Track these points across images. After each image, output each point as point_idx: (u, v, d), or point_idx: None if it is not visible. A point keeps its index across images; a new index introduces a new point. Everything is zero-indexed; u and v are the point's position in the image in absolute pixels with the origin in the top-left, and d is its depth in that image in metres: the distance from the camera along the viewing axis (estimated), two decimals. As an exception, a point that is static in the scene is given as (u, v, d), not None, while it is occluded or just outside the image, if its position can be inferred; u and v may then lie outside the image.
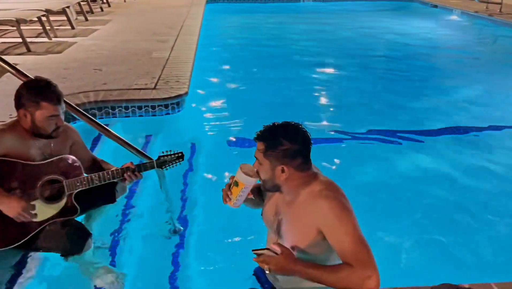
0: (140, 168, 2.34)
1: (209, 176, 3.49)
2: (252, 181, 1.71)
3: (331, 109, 5.20)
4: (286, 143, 1.63)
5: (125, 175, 2.28)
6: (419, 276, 2.44)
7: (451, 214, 3.10)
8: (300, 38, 8.93)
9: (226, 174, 3.38)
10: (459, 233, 2.90)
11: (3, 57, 2.78)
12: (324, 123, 4.72)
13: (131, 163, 2.35)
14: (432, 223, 3.00)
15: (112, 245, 2.54)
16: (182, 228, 2.84)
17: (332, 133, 4.35)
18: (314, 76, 6.40)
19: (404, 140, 4.27)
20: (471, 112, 4.94)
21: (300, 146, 1.65)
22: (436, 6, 12.21)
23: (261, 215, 1.89)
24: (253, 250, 1.68)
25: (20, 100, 2.11)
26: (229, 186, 1.78)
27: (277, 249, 1.60)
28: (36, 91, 2.11)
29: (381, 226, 2.87)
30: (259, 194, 1.94)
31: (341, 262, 1.57)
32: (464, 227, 2.97)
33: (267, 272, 1.60)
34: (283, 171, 1.64)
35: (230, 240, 2.79)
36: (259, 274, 1.98)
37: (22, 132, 2.14)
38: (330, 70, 6.73)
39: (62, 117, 2.20)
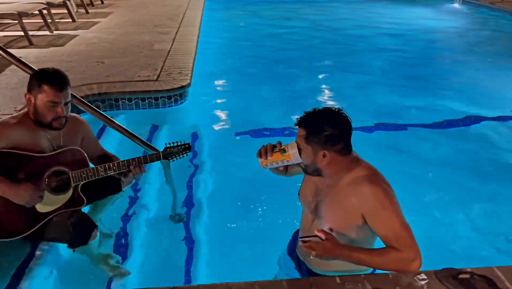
0: (147, 160, 2.35)
1: (213, 166, 3.52)
2: (299, 161, 1.72)
3: (332, 97, 5.20)
4: (328, 128, 1.64)
5: (130, 167, 2.30)
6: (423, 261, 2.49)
7: (458, 200, 3.12)
8: (302, 27, 8.90)
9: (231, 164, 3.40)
10: (464, 219, 2.93)
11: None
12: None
13: (152, 154, 2.38)
14: (436, 209, 3.03)
15: (118, 234, 2.58)
16: (186, 216, 2.87)
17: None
18: (317, 65, 6.39)
19: (409, 131, 4.29)
20: (476, 101, 4.94)
21: (342, 131, 1.67)
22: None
23: (298, 194, 1.93)
24: (301, 238, 1.72)
25: (28, 84, 2.13)
26: (272, 147, 1.77)
27: (322, 235, 1.64)
28: (42, 75, 2.13)
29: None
30: (285, 167, 1.94)
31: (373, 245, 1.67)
32: (468, 212, 3.00)
33: (311, 257, 1.64)
34: (324, 156, 1.67)
35: (234, 228, 2.83)
36: (292, 255, 2.03)
37: (30, 124, 2.16)
38: (332, 59, 6.70)
39: (66, 108, 2.18)
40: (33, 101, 2.11)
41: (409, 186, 3.30)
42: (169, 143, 2.41)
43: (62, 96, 2.13)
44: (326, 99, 5.16)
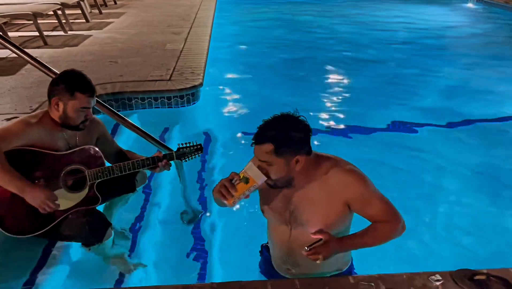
0: (160, 159, 2.39)
1: (225, 166, 3.53)
2: (264, 179, 1.61)
3: (344, 98, 5.18)
4: (295, 133, 1.60)
5: (159, 163, 2.35)
6: (438, 261, 2.47)
7: (474, 201, 3.10)
8: (314, 27, 8.89)
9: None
10: (476, 220, 2.91)
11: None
12: (337, 114, 4.72)
13: (160, 152, 2.41)
14: (451, 209, 3.01)
15: (132, 232, 2.60)
16: (198, 216, 2.89)
17: (342, 126, 4.36)
18: (329, 65, 6.37)
19: (424, 131, 4.26)
20: (489, 102, 4.88)
21: (306, 132, 1.63)
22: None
23: (262, 210, 1.86)
24: (307, 247, 1.67)
25: (55, 89, 2.16)
26: (230, 181, 1.64)
27: (321, 236, 1.66)
28: (73, 82, 2.17)
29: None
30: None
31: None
32: (480, 214, 2.98)
33: (318, 262, 1.65)
34: (297, 161, 1.63)
35: (246, 227, 2.83)
36: (268, 275, 2.01)
37: (49, 124, 2.20)
38: (345, 59, 6.67)
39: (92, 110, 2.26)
40: (62, 106, 2.16)
41: (425, 186, 3.29)
42: (182, 144, 2.45)
43: (92, 101, 2.22)
44: (340, 100, 5.14)
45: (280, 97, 4.93)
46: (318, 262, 1.64)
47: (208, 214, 2.94)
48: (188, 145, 2.46)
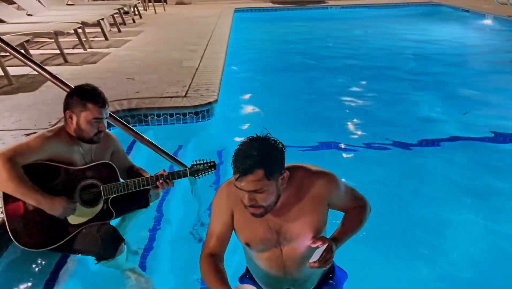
0: (174, 176, 2.41)
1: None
2: None
3: (360, 115, 5.16)
4: (276, 152, 1.58)
5: (157, 182, 2.35)
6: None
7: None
8: (328, 45, 8.94)
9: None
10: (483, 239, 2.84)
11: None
12: (353, 129, 4.71)
13: (164, 170, 2.42)
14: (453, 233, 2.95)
15: (144, 248, 2.60)
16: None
17: (360, 142, 4.34)
18: (344, 83, 6.36)
19: (441, 147, 4.21)
20: (507, 120, 4.81)
21: (282, 146, 1.61)
22: (467, 11, 11.94)
23: (248, 244, 1.78)
24: (318, 260, 1.65)
25: (68, 103, 2.22)
26: None
27: (320, 243, 1.68)
28: (84, 93, 2.23)
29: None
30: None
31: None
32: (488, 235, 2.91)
33: (324, 268, 1.76)
34: (283, 178, 1.62)
35: None
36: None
37: (66, 138, 2.25)
38: (360, 77, 6.64)
39: (105, 122, 2.30)
40: (75, 118, 2.21)
41: (455, 206, 3.23)
42: (196, 161, 2.47)
43: (104, 112, 2.26)
44: (355, 116, 5.11)
45: (295, 114, 4.94)
46: (324, 269, 1.75)
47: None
48: (202, 162, 2.48)
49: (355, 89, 6.13)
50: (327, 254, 1.66)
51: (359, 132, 4.62)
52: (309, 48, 8.61)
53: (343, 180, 1.86)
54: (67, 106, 2.24)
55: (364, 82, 6.40)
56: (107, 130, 2.56)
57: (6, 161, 2.00)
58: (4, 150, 2.07)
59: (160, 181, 2.35)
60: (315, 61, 7.61)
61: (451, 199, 3.32)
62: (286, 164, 1.66)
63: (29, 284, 2.12)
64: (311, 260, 1.66)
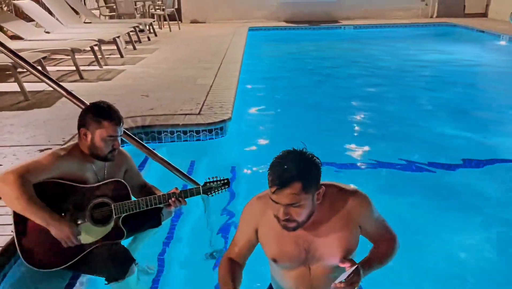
0: (187, 194, 2.36)
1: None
2: None
3: (372, 136, 5.08)
4: (314, 167, 1.58)
5: (170, 200, 2.31)
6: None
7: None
8: (342, 64, 8.91)
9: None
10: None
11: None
12: (366, 149, 4.64)
13: (176, 188, 2.38)
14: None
15: (155, 268, 2.54)
16: (223, 252, 2.81)
17: (373, 160, 4.27)
18: (357, 102, 6.33)
19: (447, 169, 4.11)
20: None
21: (319, 161, 1.61)
22: (482, 32, 11.85)
23: (275, 260, 1.75)
24: (344, 280, 1.60)
25: (83, 120, 2.20)
26: None
27: (348, 265, 1.63)
28: (99, 111, 2.21)
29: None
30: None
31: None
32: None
33: None
34: (319, 193, 1.62)
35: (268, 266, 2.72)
36: None
37: (79, 156, 2.22)
38: (372, 97, 6.59)
39: (119, 140, 2.28)
40: (90, 136, 2.19)
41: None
42: (209, 178, 2.42)
43: (119, 130, 2.24)
44: (368, 135, 5.05)
45: (307, 132, 4.88)
46: None
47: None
48: (215, 179, 2.43)
49: (368, 108, 6.07)
50: (354, 277, 1.60)
51: (373, 151, 4.54)
52: (322, 67, 8.60)
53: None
54: (81, 123, 2.21)
55: (377, 102, 6.32)
56: (120, 148, 2.53)
57: (17, 178, 1.97)
58: (16, 167, 2.04)
59: (173, 199, 2.31)
60: (328, 80, 7.59)
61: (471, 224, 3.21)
62: (321, 181, 1.66)
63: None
64: (337, 281, 1.60)
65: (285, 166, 1.52)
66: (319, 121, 5.40)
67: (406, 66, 8.62)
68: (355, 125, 5.43)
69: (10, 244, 2.17)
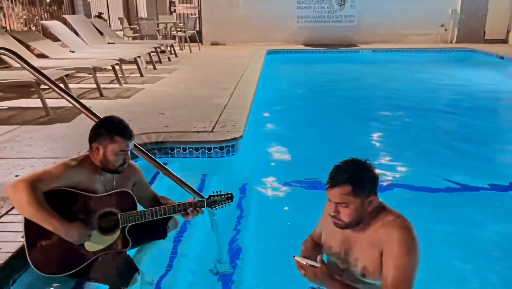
0: (191, 206, 2.41)
1: (261, 219, 3.48)
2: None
3: (389, 159, 5.05)
4: (369, 175, 1.76)
5: (188, 210, 2.38)
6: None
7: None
8: (358, 87, 8.93)
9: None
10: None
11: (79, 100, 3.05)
12: (383, 172, 4.61)
13: (194, 198, 2.45)
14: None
15: (159, 281, 2.57)
16: (230, 269, 2.83)
17: (388, 183, 4.23)
18: (371, 125, 6.29)
19: (468, 192, 4.05)
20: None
21: (376, 174, 1.79)
22: (502, 58, 11.75)
23: (323, 246, 2.01)
24: (294, 257, 1.80)
25: (95, 134, 2.29)
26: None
27: (317, 264, 1.73)
28: (111, 126, 2.31)
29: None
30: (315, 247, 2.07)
31: None
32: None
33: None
34: (370, 202, 1.76)
35: (281, 284, 2.70)
36: None
37: (89, 167, 2.31)
38: (387, 120, 6.58)
39: (129, 153, 2.36)
40: (102, 150, 2.28)
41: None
42: (214, 192, 2.48)
43: (130, 144, 2.33)
44: (385, 158, 4.99)
45: (319, 153, 4.89)
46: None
47: (241, 268, 2.85)
48: (219, 193, 2.48)
49: (383, 132, 6.04)
50: (308, 266, 1.73)
51: (392, 175, 4.49)
52: (338, 90, 8.64)
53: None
54: (94, 137, 2.30)
55: (393, 126, 6.29)
56: (131, 161, 2.61)
57: (28, 186, 2.06)
58: (28, 176, 2.13)
59: (191, 208, 2.38)
60: (343, 102, 7.60)
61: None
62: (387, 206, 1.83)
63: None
64: (300, 258, 1.79)
65: (342, 168, 1.75)
66: (332, 142, 5.40)
67: (425, 90, 8.58)
68: (368, 146, 5.41)
69: (22, 250, 2.23)
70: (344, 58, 12.66)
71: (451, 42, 14.51)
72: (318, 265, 1.74)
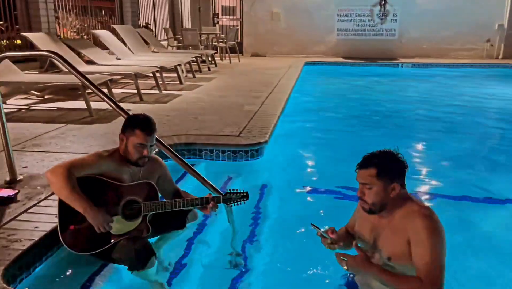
0: (208, 201, 2.61)
1: (279, 222, 3.59)
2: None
3: (422, 176, 4.95)
4: (395, 164, 1.96)
5: (208, 205, 2.59)
6: None
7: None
8: (394, 100, 8.88)
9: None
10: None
11: (120, 104, 3.36)
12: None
13: (210, 194, 2.66)
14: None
15: (175, 267, 2.78)
16: (243, 263, 2.99)
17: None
18: (402, 139, 6.20)
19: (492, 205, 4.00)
20: None
21: (404, 165, 1.98)
22: (551, 74, 11.31)
23: (354, 233, 2.21)
24: (312, 224, 2.12)
25: (123, 126, 2.58)
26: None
27: (328, 236, 2.02)
28: (136, 121, 2.57)
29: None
30: (347, 235, 2.27)
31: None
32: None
33: (344, 267, 1.95)
34: (393, 189, 1.93)
35: (295, 282, 2.80)
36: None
37: (118, 159, 2.57)
38: (425, 136, 6.39)
39: (151, 150, 2.59)
40: (125, 141, 2.54)
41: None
42: (231, 190, 2.67)
43: (149, 140, 2.54)
44: (416, 176, 4.89)
45: (343, 160, 4.93)
46: (344, 267, 1.94)
47: (256, 264, 2.97)
48: (235, 191, 2.67)
49: (413, 143, 6.00)
50: (348, 255, 1.94)
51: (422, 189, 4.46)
52: (372, 103, 8.62)
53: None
54: (122, 129, 2.58)
55: (427, 142, 6.12)
56: (157, 157, 2.87)
57: (64, 171, 2.34)
58: (65, 162, 2.43)
59: (211, 204, 2.59)
60: (375, 116, 7.57)
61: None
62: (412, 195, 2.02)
63: (68, 282, 2.39)
64: (324, 229, 2.08)
65: (374, 154, 1.98)
66: (359, 156, 5.42)
67: (462, 106, 8.40)
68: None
69: (55, 230, 2.51)
70: (383, 72, 12.57)
71: (497, 57, 14.07)
72: (329, 236, 2.05)
